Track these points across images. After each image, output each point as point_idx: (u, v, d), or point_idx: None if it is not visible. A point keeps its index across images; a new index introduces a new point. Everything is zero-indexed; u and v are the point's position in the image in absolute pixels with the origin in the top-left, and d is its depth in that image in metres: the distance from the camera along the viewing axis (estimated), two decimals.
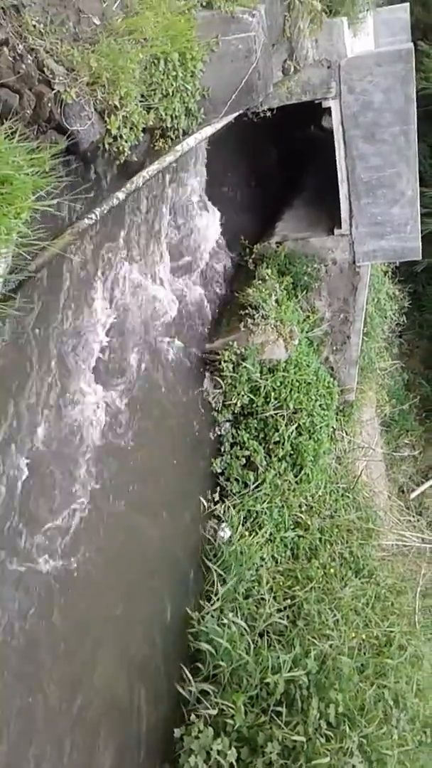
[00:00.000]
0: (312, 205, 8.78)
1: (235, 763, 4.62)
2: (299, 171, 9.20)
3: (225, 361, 6.58)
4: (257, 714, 5.05)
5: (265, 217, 8.80)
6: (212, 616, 5.52)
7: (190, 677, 5.14)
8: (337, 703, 5.22)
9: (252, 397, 6.77)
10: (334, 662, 5.67)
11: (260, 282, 7.28)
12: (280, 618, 5.95)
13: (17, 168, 2.67)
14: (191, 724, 4.79)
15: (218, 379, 6.67)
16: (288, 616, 6.10)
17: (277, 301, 7.15)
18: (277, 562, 6.65)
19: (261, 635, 5.74)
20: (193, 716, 4.89)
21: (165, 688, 5.07)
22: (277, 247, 8.03)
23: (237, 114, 6.08)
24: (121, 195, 4.51)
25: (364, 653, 6.36)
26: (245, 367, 6.61)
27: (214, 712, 4.88)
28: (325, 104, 7.17)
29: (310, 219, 8.51)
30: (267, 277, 7.35)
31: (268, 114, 7.00)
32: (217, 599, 5.68)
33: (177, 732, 4.77)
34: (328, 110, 7.22)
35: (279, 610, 6.04)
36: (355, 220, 7.79)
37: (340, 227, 7.86)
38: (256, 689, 5.17)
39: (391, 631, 6.76)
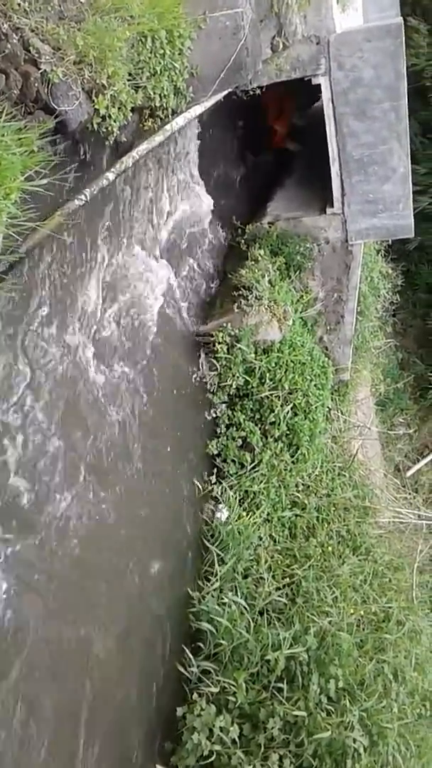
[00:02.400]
0: (304, 184, 8.72)
1: (237, 739, 4.68)
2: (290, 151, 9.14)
3: (219, 343, 6.56)
4: (258, 691, 5.11)
5: (257, 197, 8.74)
6: (212, 596, 5.56)
7: (192, 657, 5.18)
8: (337, 678, 5.29)
9: (247, 378, 6.76)
10: (334, 638, 5.73)
11: (253, 263, 7.23)
12: (279, 596, 6.00)
13: (5, 148, 2.63)
14: (193, 703, 4.84)
15: (213, 360, 6.65)
16: (287, 594, 6.15)
17: (270, 281, 7.12)
18: (275, 542, 6.70)
19: (261, 613, 5.79)
20: (195, 695, 4.94)
21: (166, 668, 5.12)
22: (270, 227, 7.98)
23: (226, 92, 6.01)
24: (110, 175, 4.47)
25: (363, 629, 6.44)
26: (240, 348, 6.60)
27: (216, 690, 4.93)
28: (314, 81, 7.09)
29: (302, 198, 8.45)
30: (260, 258, 7.31)
31: (258, 92, 6.92)
32: (217, 579, 5.72)
33: (179, 710, 4.82)
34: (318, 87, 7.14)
35: (278, 589, 6.09)
36: (347, 198, 7.73)
37: (332, 206, 7.80)
38: (257, 666, 5.23)
39: (389, 607, 6.83)
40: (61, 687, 4.01)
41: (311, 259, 8.05)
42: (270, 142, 9.44)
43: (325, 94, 7.13)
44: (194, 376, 6.59)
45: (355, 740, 4.94)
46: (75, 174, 4.02)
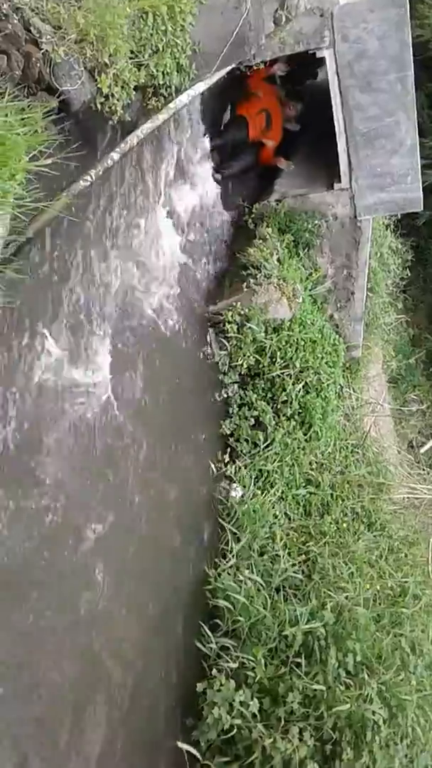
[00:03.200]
0: (310, 160, 8.61)
1: (257, 713, 4.72)
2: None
3: (229, 323, 6.55)
4: (277, 666, 5.15)
5: (263, 175, 8.66)
6: (228, 574, 5.60)
7: (210, 633, 5.23)
8: (355, 652, 5.30)
9: (258, 357, 6.75)
10: (351, 613, 5.74)
11: (261, 241, 7.20)
12: (295, 573, 6.02)
13: (8, 128, 2.62)
14: (213, 678, 4.87)
15: (223, 340, 6.65)
16: (303, 571, 6.18)
17: (278, 259, 7.09)
18: (290, 519, 6.72)
19: (277, 590, 5.81)
20: (214, 671, 4.98)
21: (185, 646, 5.17)
22: (277, 204, 7.92)
23: (230, 68, 5.95)
24: (115, 155, 4.44)
25: (380, 604, 6.45)
26: (250, 327, 6.59)
27: (235, 665, 4.97)
28: (319, 54, 6.98)
29: (309, 174, 8.36)
30: (267, 236, 7.27)
31: (262, 67, 6.84)
32: (233, 557, 5.76)
33: (199, 686, 4.86)
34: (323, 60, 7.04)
35: (294, 565, 6.11)
36: (354, 173, 7.65)
37: (339, 181, 7.72)
38: (274, 642, 5.26)
39: (405, 582, 6.84)
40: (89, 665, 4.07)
41: (320, 236, 7.99)
42: (257, 158, 8.37)
43: (330, 67, 7.03)
44: (204, 356, 6.59)
45: (374, 713, 4.96)
46: (79, 153, 3.98)
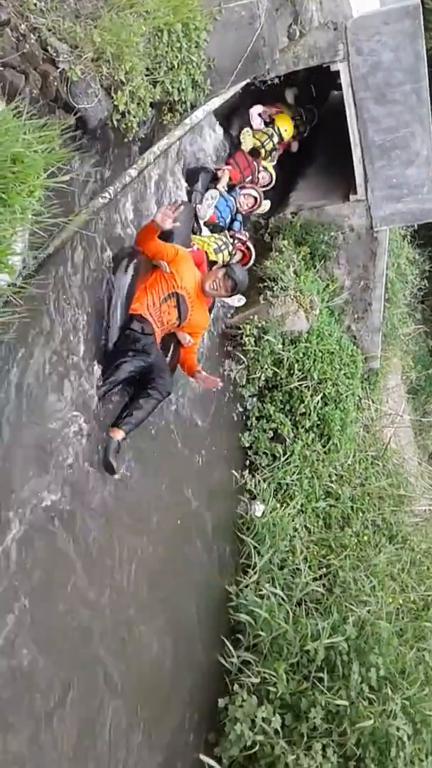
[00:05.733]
0: (326, 172, 8.65)
1: (279, 729, 4.67)
2: (311, 139, 9.02)
3: (247, 336, 6.56)
4: (299, 681, 5.10)
5: (278, 188, 8.69)
6: (250, 589, 5.58)
7: (231, 648, 5.19)
8: (378, 666, 5.24)
9: (275, 369, 6.75)
10: (373, 627, 5.68)
11: (277, 254, 7.22)
12: (316, 586, 5.98)
13: (27, 146, 2.66)
14: (235, 694, 4.84)
15: (240, 354, 6.66)
16: (324, 585, 6.13)
17: (295, 272, 7.10)
18: (310, 532, 6.68)
19: (298, 604, 5.77)
20: (236, 686, 4.95)
21: (207, 661, 5.15)
22: (293, 217, 7.95)
23: (244, 83, 6.00)
24: (133, 172, 4.48)
25: (402, 617, 6.38)
26: (267, 340, 6.59)
27: (257, 680, 4.93)
28: (333, 68, 7.03)
29: (325, 187, 8.39)
30: (284, 249, 7.29)
31: (276, 81, 6.89)
32: (254, 572, 5.73)
33: (221, 702, 4.83)
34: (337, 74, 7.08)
35: (315, 579, 6.07)
36: (370, 184, 7.66)
37: (355, 193, 7.74)
38: (296, 657, 5.21)
39: (429, 595, 6.77)
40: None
41: (336, 248, 8.00)
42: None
43: (345, 80, 7.07)
44: (223, 369, 6.59)
45: (398, 728, 4.90)
46: (95, 168, 4.03)
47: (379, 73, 6.98)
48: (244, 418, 6.75)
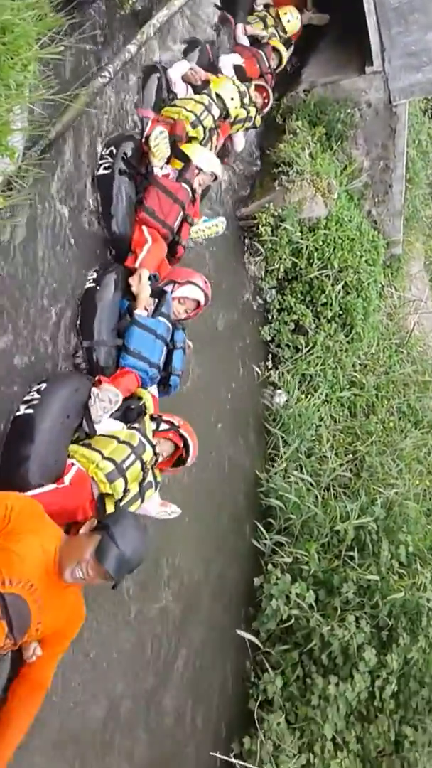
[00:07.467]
0: (339, 44, 8.01)
1: (314, 603, 4.88)
2: (322, 9, 8.31)
3: (263, 225, 6.32)
4: (330, 559, 5.29)
5: (289, 65, 8.14)
6: (279, 476, 5.70)
7: (264, 531, 5.37)
8: (407, 544, 5.39)
9: (294, 259, 6.55)
10: (401, 508, 5.81)
11: (291, 136, 6.83)
12: (343, 472, 6.08)
13: (16, 13, 2.45)
14: (269, 573, 5.05)
15: (258, 244, 6.46)
16: (351, 470, 6.24)
17: (310, 154, 6.74)
18: (335, 421, 6.72)
19: (327, 489, 5.91)
20: (270, 566, 5.14)
21: (242, 545, 5.39)
22: (306, 95, 7.46)
23: None
24: (132, 48, 4.19)
25: (430, 498, 6.50)
26: (284, 228, 6.35)
27: (290, 560, 5.13)
28: None
29: (339, 60, 7.81)
30: (298, 130, 6.89)
31: None
32: (282, 460, 5.84)
33: (257, 580, 5.05)
34: None
35: (341, 465, 6.17)
36: (387, 53, 7.12)
37: (371, 64, 7.19)
38: (326, 537, 5.40)
39: None
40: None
41: (353, 126, 7.53)
42: None
43: None
44: (240, 262, 6.43)
45: (428, 599, 5.08)
46: (92, 46, 3.75)
47: None
48: (264, 311, 6.65)
